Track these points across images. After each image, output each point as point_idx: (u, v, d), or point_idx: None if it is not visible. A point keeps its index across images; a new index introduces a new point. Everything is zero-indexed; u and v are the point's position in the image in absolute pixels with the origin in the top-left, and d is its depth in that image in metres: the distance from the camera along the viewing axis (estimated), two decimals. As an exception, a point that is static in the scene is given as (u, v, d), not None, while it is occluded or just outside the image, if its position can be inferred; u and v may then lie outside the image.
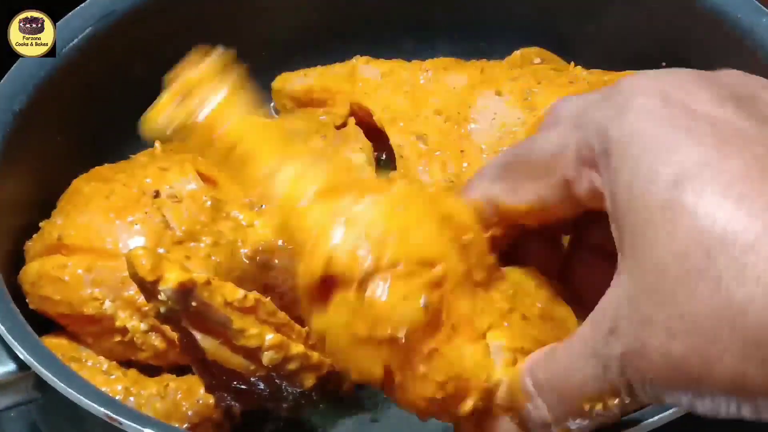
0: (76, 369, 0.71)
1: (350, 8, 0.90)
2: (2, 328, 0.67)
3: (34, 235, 0.76)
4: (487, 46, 0.89)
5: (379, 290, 0.54)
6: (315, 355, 0.65)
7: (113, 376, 0.73)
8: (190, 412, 0.71)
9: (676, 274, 0.45)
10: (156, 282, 0.59)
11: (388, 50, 0.88)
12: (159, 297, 0.60)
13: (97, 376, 0.73)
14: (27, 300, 0.74)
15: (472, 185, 0.58)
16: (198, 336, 0.62)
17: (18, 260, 0.76)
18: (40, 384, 0.67)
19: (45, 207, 0.77)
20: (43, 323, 0.75)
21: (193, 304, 0.60)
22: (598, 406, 0.51)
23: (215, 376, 0.65)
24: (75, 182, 0.78)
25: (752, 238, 0.44)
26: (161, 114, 0.60)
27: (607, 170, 0.49)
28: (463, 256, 0.56)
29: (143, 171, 0.76)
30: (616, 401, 0.50)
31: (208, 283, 0.60)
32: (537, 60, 0.85)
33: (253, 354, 0.62)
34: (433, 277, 0.55)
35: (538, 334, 0.57)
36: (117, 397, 0.71)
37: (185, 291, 0.60)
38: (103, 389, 0.71)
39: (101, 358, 0.74)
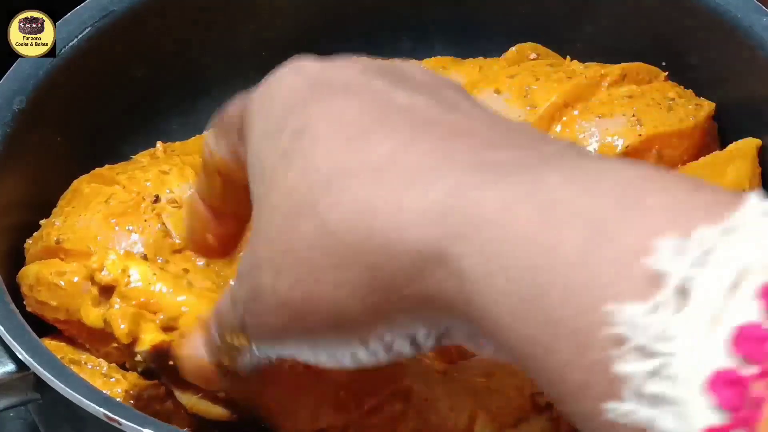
0: (75, 371, 0.71)
1: (349, 8, 0.90)
2: (2, 328, 0.67)
3: (34, 234, 0.76)
4: (485, 44, 0.88)
5: None
6: None
7: (113, 380, 0.73)
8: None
9: (284, 212, 0.46)
10: (132, 344, 0.60)
11: (386, 50, 0.88)
12: (136, 358, 0.61)
13: (96, 379, 0.72)
14: (24, 302, 0.74)
15: None
16: (177, 393, 0.63)
17: (18, 259, 0.76)
18: (40, 384, 0.67)
19: (44, 207, 0.77)
20: (42, 324, 0.75)
21: (170, 362, 0.61)
22: (236, 341, 0.52)
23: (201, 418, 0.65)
24: (75, 183, 0.78)
25: (353, 167, 0.45)
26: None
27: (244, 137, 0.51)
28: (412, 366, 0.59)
29: (144, 174, 0.76)
30: (245, 343, 0.52)
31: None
32: (533, 55, 0.85)
33: (234, 403, 0.63)
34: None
35: (507, 396, 0.60)
36: (117, 400, 0.71)
37: (161, 352, 0.60)
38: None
39: (101, 360, 0.74)
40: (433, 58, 0.86)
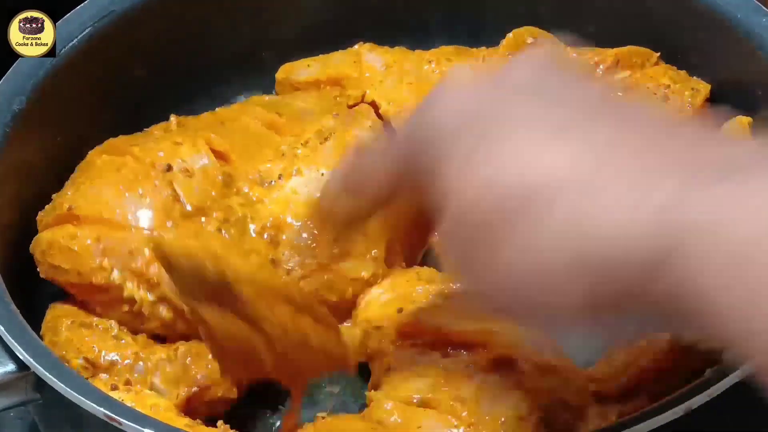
0: (86, 334, 0.73)
1: (349, 5, 0.90)
2: (2, 328, 0.67)
3: (47, 206, 0.77)
4: (486, 36, 0.88)
5: None
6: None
7: (123, 341, 0.73)
8: (199, 376, 0.71)
9: (486, 208, 0.49)
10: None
11: (389, 42, 0.88)
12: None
13: (107, 341, 0.73)
14: (38, 269, 0.75)
15: None
16: (206, 310, 0.63)
17: (17, 261, 0.76)
18: (40, 384, 0.67)
19: (43, 207, 0.77)
20: (57, 294, 0.76)
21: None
22: None
23: (223, 345, 0.65)
24: (89, 155, 0.78)
25: (552, 172, 0.47)
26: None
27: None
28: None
29: (156, 144, 0.77)
30: None
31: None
32: (530, 40, 0.85)
33: (258, 324, 0.63)
34: None
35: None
36: (127, 362, 0.72)
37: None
38: (113, 354, 0.72)
39: (111, 322, 0.74)
40: (438, 48, 0.86)
